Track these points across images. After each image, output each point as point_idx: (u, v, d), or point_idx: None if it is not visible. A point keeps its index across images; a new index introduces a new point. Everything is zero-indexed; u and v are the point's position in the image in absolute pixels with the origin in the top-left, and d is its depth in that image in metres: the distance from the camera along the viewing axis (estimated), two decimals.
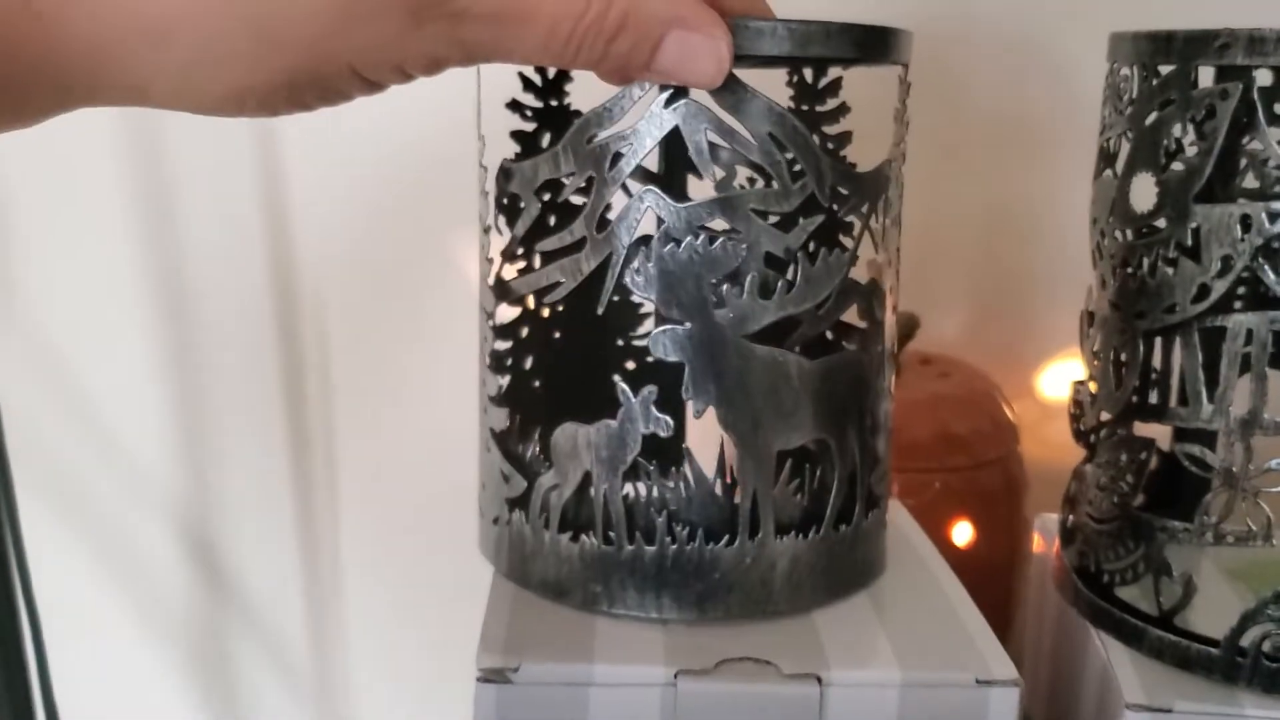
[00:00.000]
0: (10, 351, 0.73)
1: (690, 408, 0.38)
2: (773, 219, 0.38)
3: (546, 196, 0.41)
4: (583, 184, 0.39)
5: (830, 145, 0.44)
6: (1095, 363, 0.44)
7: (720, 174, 0.41)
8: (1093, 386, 0.44)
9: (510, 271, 0.43)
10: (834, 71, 0.45)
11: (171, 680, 0.79)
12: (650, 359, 0.46)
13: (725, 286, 0.37)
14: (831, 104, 0.44)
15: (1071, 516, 0.46)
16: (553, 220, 0.42)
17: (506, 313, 0.44)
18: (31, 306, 0.73)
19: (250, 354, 0.73)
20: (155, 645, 0.79)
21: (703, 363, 0.38)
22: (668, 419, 0.38)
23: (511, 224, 0.42)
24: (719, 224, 0.38)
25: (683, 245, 0.37)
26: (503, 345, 0.44)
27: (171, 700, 0.80)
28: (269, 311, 0.73)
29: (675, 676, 0.37)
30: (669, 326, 0.38)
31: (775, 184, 0.38)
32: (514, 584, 0.42)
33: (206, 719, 0.80)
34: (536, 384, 0.45)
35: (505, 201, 0.42)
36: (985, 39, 0.67)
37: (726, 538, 0.39)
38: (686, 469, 0.42)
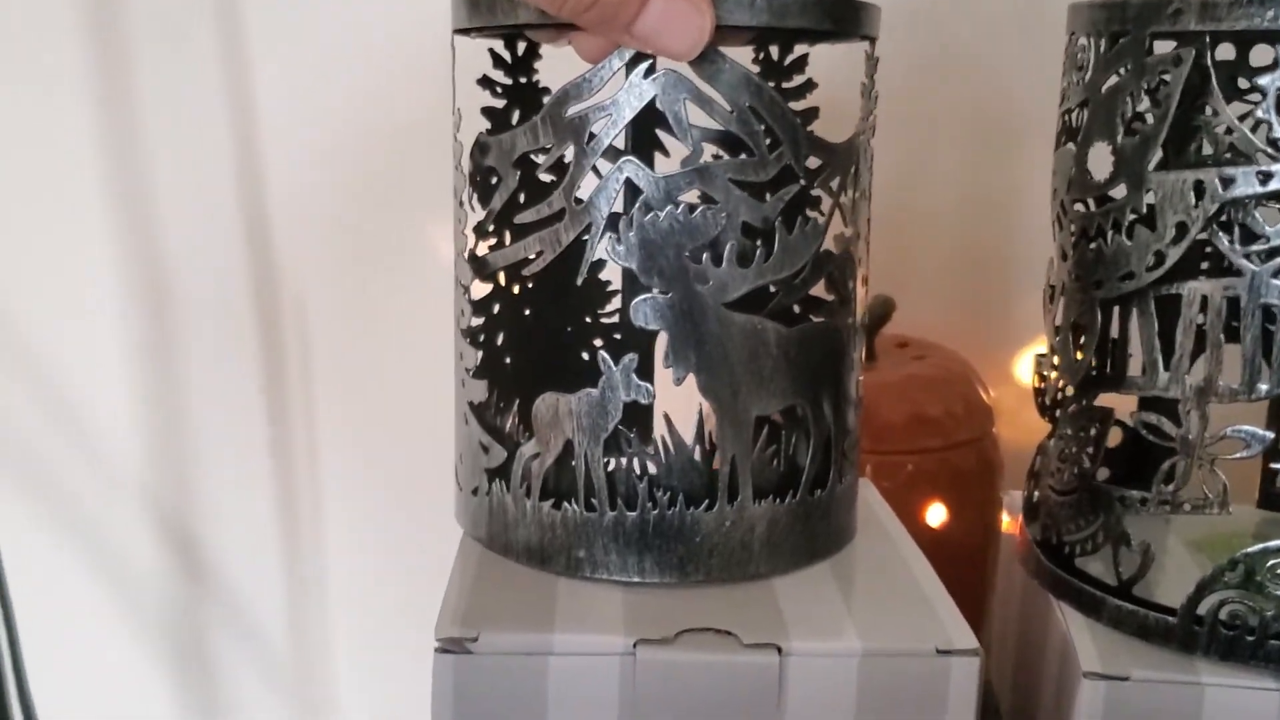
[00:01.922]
0: None
1: (671, 375, 0.39)
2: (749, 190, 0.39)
3: (519, 172, 0.41)
4: (560, 156, 0.39)
5: (799, 119, 0.45)
6: (1056, 335, 0.44)
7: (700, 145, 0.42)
8: (1055, 359, 0.45)
9: (483, 247, 0.43)
10: (800, 48, 0.45)
11: (149, 670, 0.78)
12: (618, 336, 0.47)
13: (705, 255, 0.38)
14: (798, 80, 0.45)
15: (1036, 491, 0.46)
16: (523, 197, 0.42)
17: (481, 288, 0.44)
18: (2, 295, 0.71)
19: (228, 341, 0.72)
20: (133, 635, 0.77)
21: (683, 330, 0.38)
22: (648, 386, 0.39)
23: (485, 199, 0.42)
24: (694, 195, 0.38)
25: (663, 214, 0.38)
26: (479, 320, 0.44)
27: (150, 690, 0.78)
28: (247, 296, 0.72)
29: (634, 646, 0.37)
30: (649, 295, 0.38)
31: (754, 154, 0.38)
32: (480, 555, 0.42)
33: (185, 708, 0.79)
34: (511, 358, 0.45)
35: (479, 176, 0.42)
36: (969, 21, 0.68)
37: (706, 502, 0.39)
38: (666, 436, 0.42)
